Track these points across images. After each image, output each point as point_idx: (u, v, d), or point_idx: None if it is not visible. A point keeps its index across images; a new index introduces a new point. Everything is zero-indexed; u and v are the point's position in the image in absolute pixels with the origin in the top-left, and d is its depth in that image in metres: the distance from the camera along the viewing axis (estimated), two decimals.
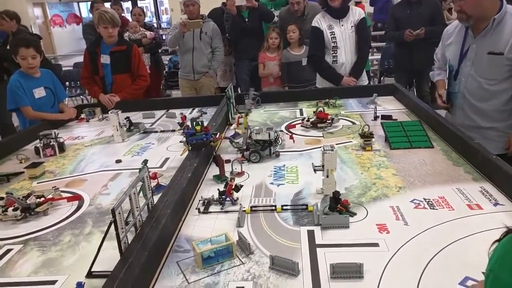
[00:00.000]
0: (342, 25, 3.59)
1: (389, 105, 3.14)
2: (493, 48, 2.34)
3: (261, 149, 2.21)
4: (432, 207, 1.62)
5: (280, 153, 2.28)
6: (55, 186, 1.95)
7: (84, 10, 19.35)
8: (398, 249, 1.36)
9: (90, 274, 1.32)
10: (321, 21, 3.62)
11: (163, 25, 16.82)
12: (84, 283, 1.24)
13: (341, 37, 3.57)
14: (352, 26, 3.58)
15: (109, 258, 1.34)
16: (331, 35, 3.57)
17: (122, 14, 6.40)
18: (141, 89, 3.75)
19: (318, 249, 1.39)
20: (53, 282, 1.33)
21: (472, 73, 2.45)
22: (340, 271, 1.23)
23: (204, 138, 2.14)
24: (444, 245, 1.37)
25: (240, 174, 2.05)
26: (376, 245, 1.40)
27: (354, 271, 1.23)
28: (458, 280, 1.20)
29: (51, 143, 2.60)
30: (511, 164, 1.75)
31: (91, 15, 6.44)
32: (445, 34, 2.70)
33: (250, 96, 3.22)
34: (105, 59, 3.59)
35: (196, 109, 3.44)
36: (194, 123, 2.21)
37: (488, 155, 1.87)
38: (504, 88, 2.35)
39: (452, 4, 3.95)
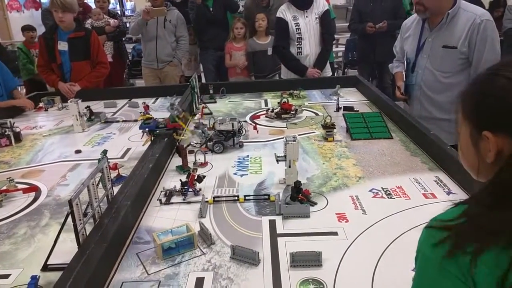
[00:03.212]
0: (307, 17, 3.60)
1: (351, 97, 3.20)
2: (447, 42, 2.42)
3: (224, 139, 2.21)
4: (389, 196, 1.67)
5: (244, 143, 2.29)
6: (9, 177, 1.88)
7: None
8: (356, 238, 1.40)
9: (46, 267, 1.29)
10: (286, 12, 3.62)
11: (127, 13, 16.29)
12: (39, 276, 1.21)
13: (306, 28, 3.59)
14: (316, 18, 3.60)
15: (67, 250, 1.31)
16: (295, 26, 3.59)
17: (85, 1, 6.18)
18: (101, 76, 3.64)
19: (279, 238, 1.41)
20: (6, 276, 1.29)
21: (428, 66, 2.53)
22: (300, 260, 1.26)
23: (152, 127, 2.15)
24: (400, 233, 1.41)
25: (204, 164, 2.04)
26: (335, 233, 1.43)
27: (313, 260, 1.26)
28: (411, 266, 1.24)
29: (6, 133, 2.50)
30: None
31: None
32: (404, 27, 2.77)
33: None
34: (62, 46, 3.45)
35: (170, 99, 3.29)
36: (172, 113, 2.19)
37: (443, 145, 1.95)
38: (458, 80, 2.45)
39: None
